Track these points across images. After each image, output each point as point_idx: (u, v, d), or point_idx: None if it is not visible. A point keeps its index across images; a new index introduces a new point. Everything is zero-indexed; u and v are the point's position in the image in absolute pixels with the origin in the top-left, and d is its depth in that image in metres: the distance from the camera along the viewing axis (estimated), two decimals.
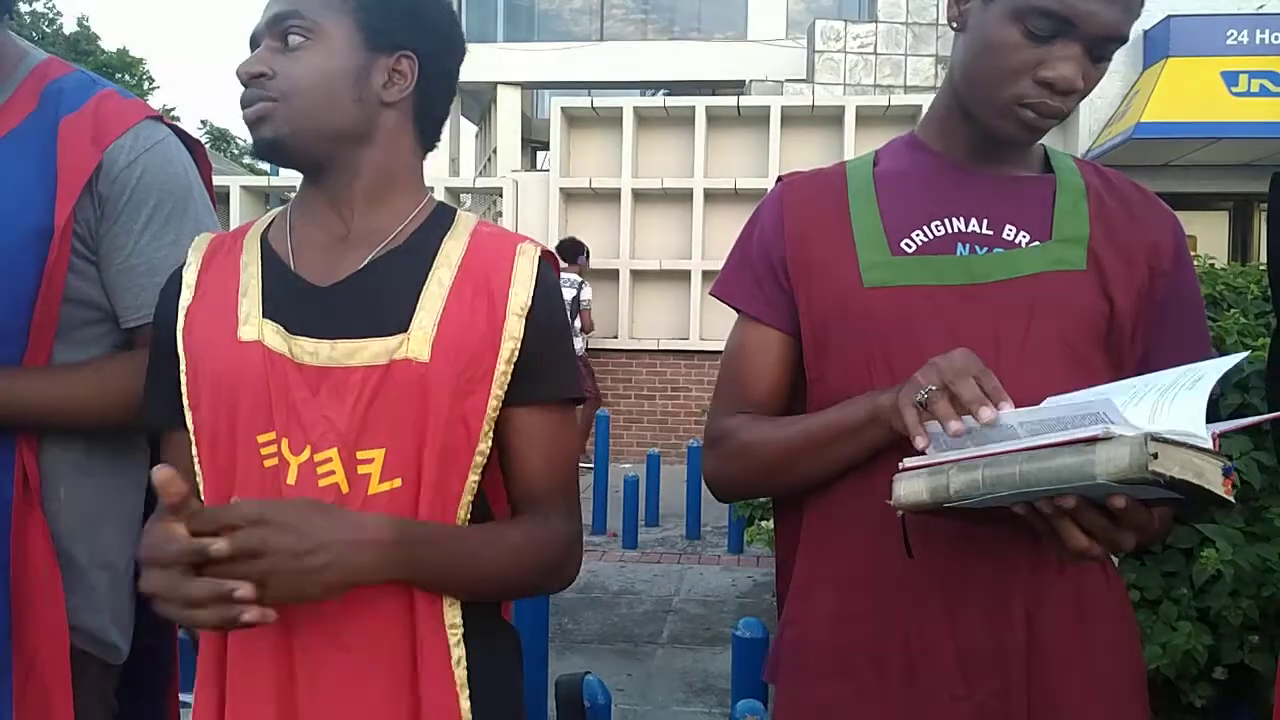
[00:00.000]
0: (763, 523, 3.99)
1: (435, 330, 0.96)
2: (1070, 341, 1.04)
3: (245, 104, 0.98)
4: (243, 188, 9.07)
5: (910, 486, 0.89)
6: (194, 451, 0.99)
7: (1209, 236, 8.83)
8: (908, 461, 0.91)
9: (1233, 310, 2.32)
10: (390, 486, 0.94)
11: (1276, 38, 8.21)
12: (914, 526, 0.99)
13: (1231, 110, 7.99)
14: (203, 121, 32.04)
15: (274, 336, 0.97)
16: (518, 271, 1.01)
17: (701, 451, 1.20)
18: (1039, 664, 1.02)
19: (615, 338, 8.29)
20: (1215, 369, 0.84)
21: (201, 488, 0.98)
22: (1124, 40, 1.01)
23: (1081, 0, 0.97)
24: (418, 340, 0.95)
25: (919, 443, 0.91)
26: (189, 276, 1.03)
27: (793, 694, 1.12)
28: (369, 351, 0.95)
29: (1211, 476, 0.78)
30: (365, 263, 1.00)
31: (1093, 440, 0.78)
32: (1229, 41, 8.23)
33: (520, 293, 1.00)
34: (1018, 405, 0.89)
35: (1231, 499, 0.80)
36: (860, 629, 1.06)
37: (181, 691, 1.41)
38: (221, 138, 31.83)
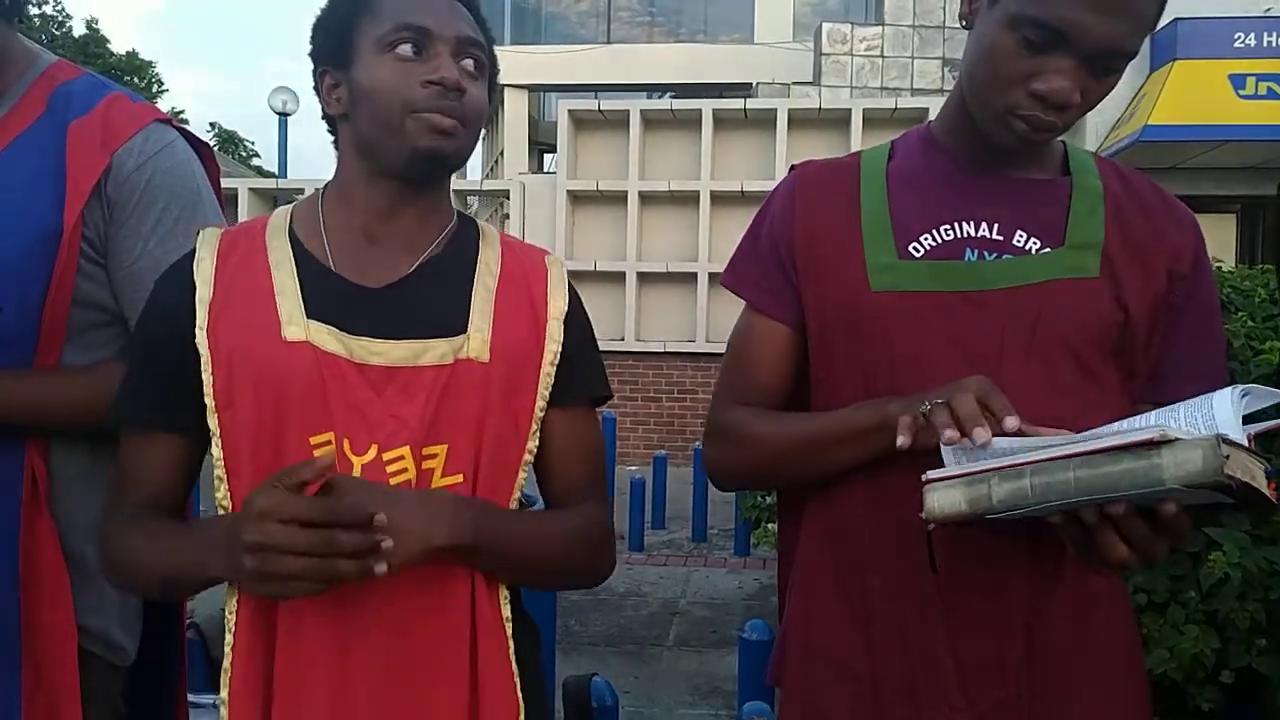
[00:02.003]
0: (769, 525, 3.99)
1: (490, 333, 1.01)
2: (1078, 351, 1.02)
3: (444, 110, 0.99)
4: (250, 190, 9.10)
5: (946, 498, 0.86)
6: (217, 454, 0.97)
7: (1216, 239, 8.80)
8: (932, 473, 0.88)
9: (1240, 313, 2.31)
10: (453, 481, 0.98)
11: None
12: (913, 538, 0.97)
13: (1239, 113, 7.98)
14: (211, 124, 32.13)
15: (325, 337, 0.97)
16: (554, 281, 1.08)
17: (703, 438, 1.20)
18: (1040, 675, 1.01)
19: (622, 340, 8.29)
20: (1230, 391, 0.82)
21: (226, 489, 0.97)
22: (1129, 56, 0.96)
23: (1076, 12, 0.92)
24: (476, 342, 1.00)
25: (902, 440, 0.91)
26: (203, 272, 1.01)
27: (797, 698, 1.12)
28: (437, 351, 0.98)
29: (1260, 478, 0.76)
30: (414, 268, 1.03)
31: (1153, 444, 0.76)
32: (1236, 44, 8.21)
33: (559, 300, 1.07)
34: (1021, 416, 0.87)
35: (1275, 501, 0.78)
36: (859, 637, 1.06)
37: (190, 693, 1.42)
38: (230, 140, 31.94)
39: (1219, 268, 2.74)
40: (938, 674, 1.02)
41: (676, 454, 7.61)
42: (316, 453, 0.94)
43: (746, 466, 1.15)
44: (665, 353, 8.38)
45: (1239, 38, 8.23)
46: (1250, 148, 8.16)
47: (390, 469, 0.95)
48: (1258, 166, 8.48)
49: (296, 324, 0.97)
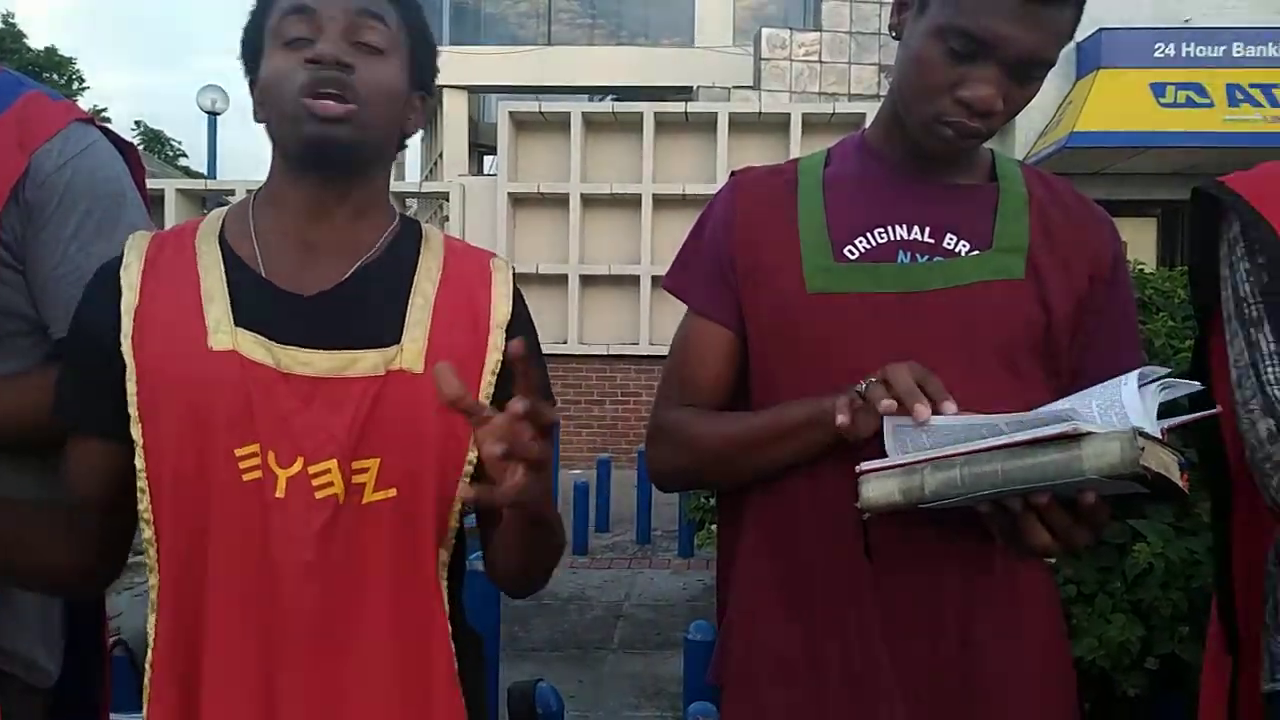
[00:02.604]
0: (713, 526, 4.02)
1: (426, 343, 0.97)
2: (1007, 350, 1.06)
3: (327, 90, 0.93)
4: (178, 191, 8.88)
5: (881, 488, 0.89)
6: (140, 465, 0.94)
7: (1138, 243, 9.09)
8: (866, 464, 0.91)
9: (1161, 314, 2.39)
10: (385, 495, 0.94)
11: (1202, 51, 8.51)
12: (851, 532, 1.00)
13: (1160, 120, 8.26)
14: (136, 123, 31.19)
15: (252, 346, 0.94)
16: (497, 287, 1.04)
17: (646, 439, 1.21)
18: (973, 664, 1.04)
19: (565, 343, 8.28)
20: (1133, 375, 0.87)
21: (148, 501, 0.94)
22: (1049, 64, 1.00)
23: (998, 23, 0.96)
24: (411, 352, 0.96)
25: (841, 419, 0.93)
26: (130, 278, 0.98)
27: (740, 697, 1.13)
28: (368, 362, 0.95)
29: (1174, 470, 0.81)
30: (349, 274, 0.99)
31: (1075, 437, 0.80)
32: (1157, 54, 8.51)
33: (502, 306, 1.02)
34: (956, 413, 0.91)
35: (1187, 491, 0.82)
36: (801, 634, 1.08)
37: (114, 712, 1.37)
38: (155, 139, 31.03)
39: (1141, 270, 2.84)
40: (876, 668, 1.04)
41: (620, 457, 7.61)
42: (242, 465, 0.92)
43: (687, 466, 1.16)
44: (608, 355, 8.38)
45: (1160, 48, 8.52)
46: (1171, 154, 8.44)
47: (316, 482, 0.92)
48: (1178, 172, 8.78)
49: (224, 332, 0.94)
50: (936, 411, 0.91)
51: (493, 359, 1.00)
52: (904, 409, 0.91)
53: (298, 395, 0.93)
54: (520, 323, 1.04)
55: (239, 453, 0.92)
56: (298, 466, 0.92)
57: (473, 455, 0.98)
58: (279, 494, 0.91)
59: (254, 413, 0.92)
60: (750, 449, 1.08)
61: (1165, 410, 0.86)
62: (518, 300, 1.05)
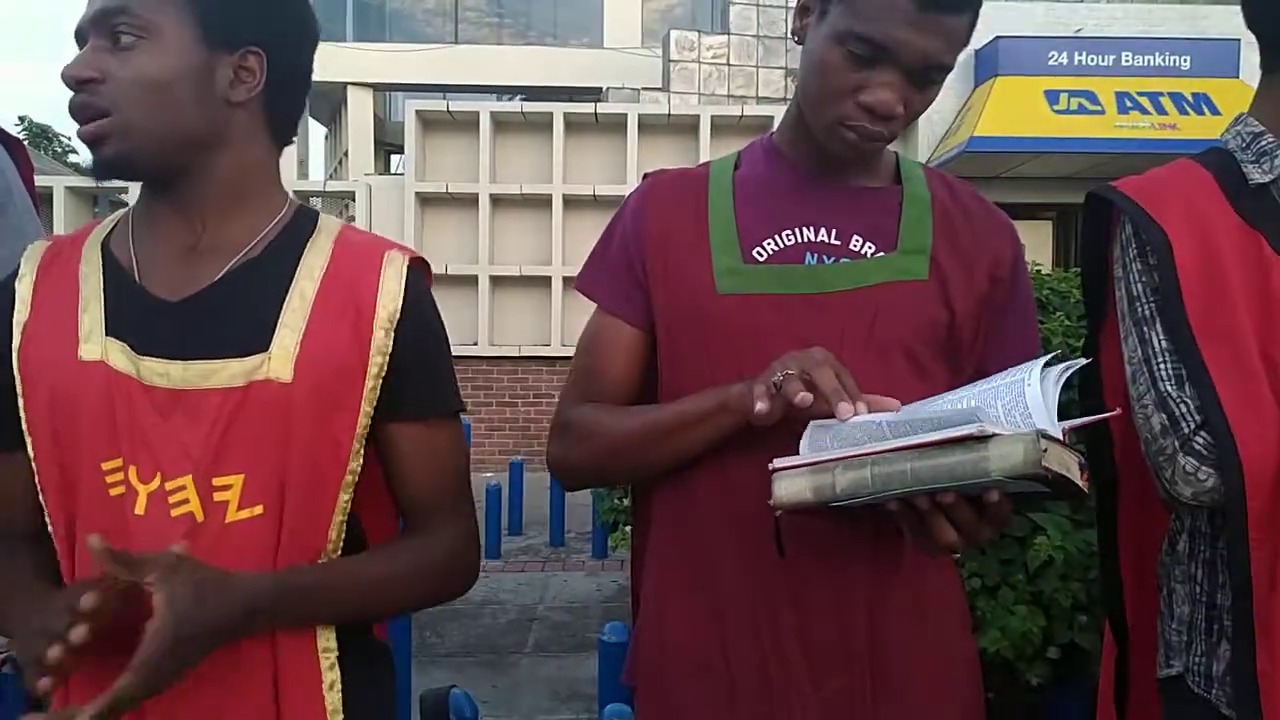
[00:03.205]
0: (627, 528, 4.01)
1: (298, 348, 0.91)
2: (912, 349, 1.08)
3: (78, 115, 0.89)
4: (67, 189, 8.47)
5: (792, 486, 0.90)
6: (36, 478, 0.91)
7: (1035, 244, 9.44)
8: (778, 462, 0.92)
9: (1057, 313, 2.47)
10: (250, 514, 0.89)
11: (1093, 60, 8.88)
12: (761, 530, 1.01)
13: (1054, 126, 8.58)
14: (21, 118, 29.74)
15: (119, 356, 0.90)
16: (385, 282, 0.96)
17: (549, 436, 1.19)
18: (881, 659, 1.06)
19: (475, 344, 8.18)
20: (1035, 368, 0.89)
21: (46, 513, 0.92)
22: (947, 69, 1.02)
23: (897, 29, 0.98)
24: (279, 359, 0.90)
25: (760, 407, 0.93)
26: (22, 290, 0.94)
27: (654, 697, 1.13)
28: (226, 373, 0.90)
29: (1074, 470, 0.83)
30: (220, 276, 0.94)
31: (982, 438, 0.82)
32: (1051, 62, 8.84)
33: (388, 304, 0.95)
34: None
35: (1086, 489, 0.85)
36: (713, 631, 1.08)
37: None
38: (43, 135, 29.64)
39: (1038, 271, 2.94)
40: (786, 661, 1.05)
41: (533, 459, 7.55)
42: (108, 480, 0.89)
43: (588, 459, 1.14)
44: (520, 357, 8.32)
45: (1053, 56, 8.86)
46: (1065, 159, 8.78)
47: (172, 499, 0.88)
48: (1072, 176, 9.13)
49: (94, 342, 0.90)
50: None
51: (376, 361, 0.94)
52: (821, 406, 0.92)
53: (157, 408, 0.89)
54: (413, 321, 0.97)
55: (105, 466, 0.88)
56: (156, 483, 0.88)
57: (355, 464, 0.94)
58: (139, 511, 0.88)
59: (117, 425, 0.88)
60: (653, 438, 1.08)
61: (1063, 411, 0.88)
62: (412, 296, 0.97)
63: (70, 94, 0.91)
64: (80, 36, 0.92)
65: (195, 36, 0.91)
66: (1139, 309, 1.10)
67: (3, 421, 0.93)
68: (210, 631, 0.81)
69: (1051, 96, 8.67)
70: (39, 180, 1.39)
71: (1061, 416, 0.87)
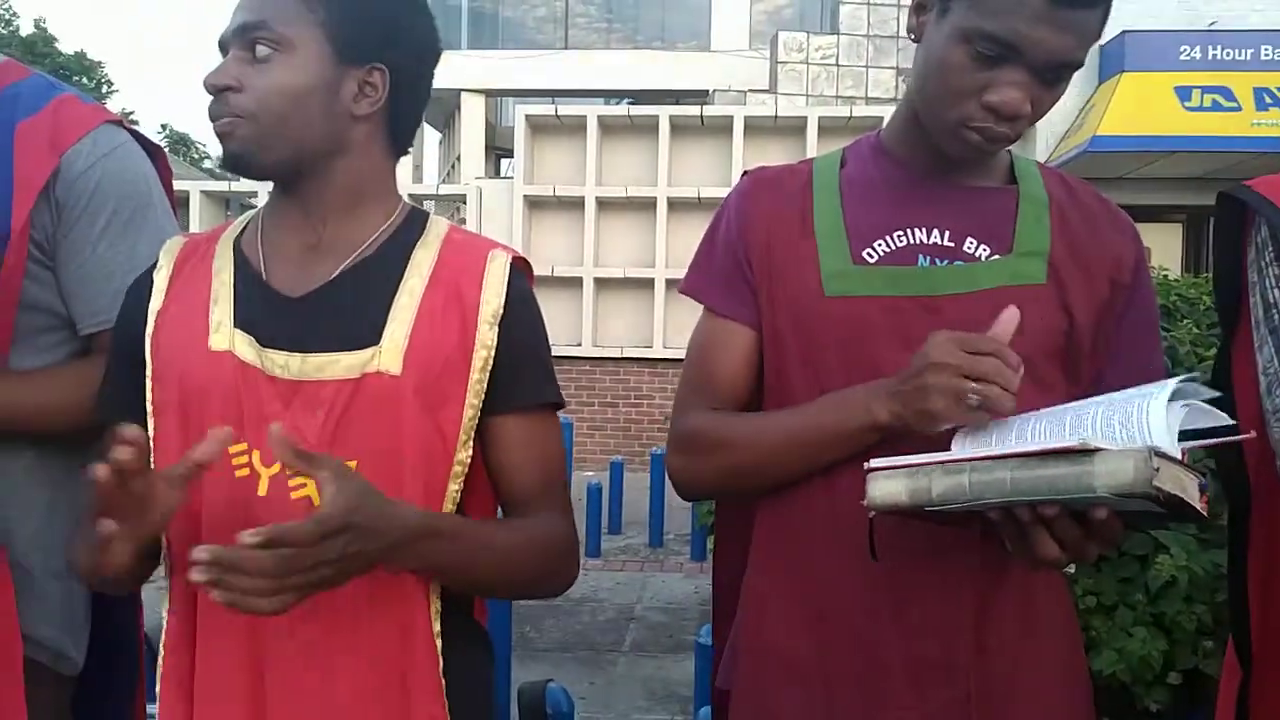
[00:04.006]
0: None
1: (407, 342, 0.96)
2: (1027, 356, 1.02)
3: (213, 117, 0.97)
4: (203, 193, 8.94)
5: (887, 487, 0.87)
6: (152, 459, 0.96)
7: (1163, 248, 9.03)
8: (875, 462, 0.90)
9: (1185, 321, 2.37)
10: None
11: (1228, 54, 8.43)
12: (865, 537, 0.98)
13: (1185, 124, 8.19)
14: (162, 126, 31.58)
15: (245, 347, 0.96)
16: (489, 278, 1.00)
17: (667, 448, 1.18)
18: (987, 674, 1.03)
19: (579, 345, 8.28)
20: (1167, 387, 0.84)
21: None
22: (1077, 66, 0.98)
23: (1026, 26, 0.94)
24: (389, 353, 0.95)
25: (969, 414, 0.91)
26: (160, 281, 1.02)
27: (748, 700, 1.12)
28: (341, 365, 0.95)
29: (1192, 491, 0.78)
30: (336, 274, 0.99)
31: (1088, 452, 0.78)
32: (1182, 57, 8.44)
33: (492, 300, 0.99)
34: None
35: (1206, 514, 0.80)
36: (811, 638, 1.06)
37: (149, 703, 1.39)
38: (181, 142, 31.38)
39: (1165, 276, 2.82)
40: (887, 674, 1.03)
41: (633, 459, 7.60)
42: (235, 462, 0.93)
43: (716, 473, 1.12)
44: (622, 358, 8.38)
45: (1185, 50, 8.45)
46: (1196, 158, 8.37)
47: (292, 483, 0.93)
48: (1203, 177, 8.71)
49: (223, 334, 0.96)
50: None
51: (480, 355, 0.98)
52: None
53: (279, 397, 0.95)
54: (516, 317, 1.01)
55: (232, 450, 0.93)
56: (277, 467, 0.93)
57: (463, 455, 0.98)
58: (261, 492, 0.93)
59: (243, 412, 0.94)
60: (793, 453, 1.06)
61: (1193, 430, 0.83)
62: (515, 294, 1.01)
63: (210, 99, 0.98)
64: (223, 47, 0.99)
65: (326, 52, 0.97)
66: (1275, 316, 1.04)
67: (131, 402, 0.99)
68: (373, 530, 0.83)
69: (1183, 93, 8.28)
70: (177, 185, 1.47)
71: (1189, 437, 0.83)
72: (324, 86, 0.97)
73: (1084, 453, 0.78)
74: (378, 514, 0.84)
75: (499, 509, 1.07)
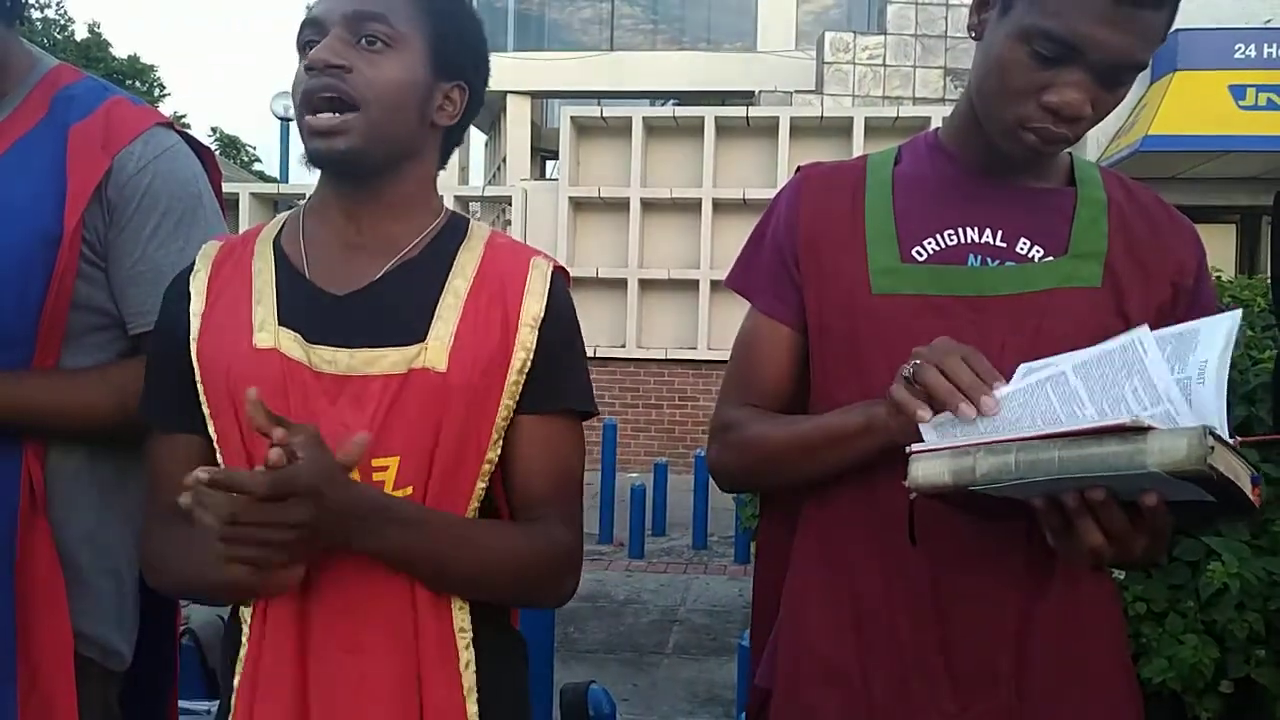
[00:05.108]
0: None
1: (452, 340, 0.97)
2: None
3: (321, 99, 0.96)
4: (252, 195, 9.13)
5: (930, 467, 0.86)
6: (219, 459, 0.99)
7: (1216, 249, 8.81)
8: (917, 445, 0.88)
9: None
10: (403, 494, 0.95)
11: None
12: (906, 541, 0.98)
13: (1239, 123, 8.00)
14: (213, 129, 32.22)
15: (291, 344, 0.97)
16: (531, 283, 1.02)
17: (708, 438, 1.20)
18: (1030, 680, 1.01)
19: (623, 347, 8.30)
20: (1208, 333, 0.83)
21: None
22: (1140, 67, 0.96)
23: (1089, 26, 0.92)
24: (435, 350, 0.97)
25: (923, 415, 0.89)
26: (198, 284, 1.03)
27: (788, 701, 1.12)
28: (388, 360, 0.96)
29: (1244, 479, 0.77)
30: (382, 273, 1.01)
31: (1141, 429, 0.76)
32: (1236, 55, 8.24)
33: (533, 304, 1.01)
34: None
35: (1258, 505, 0.78)
36: (852, 640, 1.06)
37: (181, 699, 1.41)
38: (232, 145, 31.98)
39: (1218, 277, 2.75)
40: (930, 679, 1.02)
41: (677, 461, 7.60)
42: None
43: (743, 467, 1.15)
44: (666, 360, 8.39)
45: (1239, 49, 8.25)
46: (1250, 158, 8.17)
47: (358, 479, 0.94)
48: (1258, 177, 8.49)
49: (267, 331, 0.98)
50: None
51: (519, 357, 1.00)
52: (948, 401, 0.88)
53: (326, 392, 0.96)
54: (555, 321, 1.03)
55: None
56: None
57: (492, 455, 1.00)
58: None
59: (291, 408, 0.95)
60: (799, 455, 1.07)
61: (1244, 428, 0.82)
62: (555, 299, 1.03)
63: (305, 79, 0.98)
64: (318, 25, 0.98)
65: (427, 60, 1.01)
66: None
67: (178, 405, 1.01)
68: (333, 499, 0.86)
69: (1238, 91, 8.08)
70: (226, 187, 1.50)
71: (1243, 431, 0.81)
72: (423, 90, 1.01)
73: (1136, 430, 0.76)
74: (340, 486, 0.87)
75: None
